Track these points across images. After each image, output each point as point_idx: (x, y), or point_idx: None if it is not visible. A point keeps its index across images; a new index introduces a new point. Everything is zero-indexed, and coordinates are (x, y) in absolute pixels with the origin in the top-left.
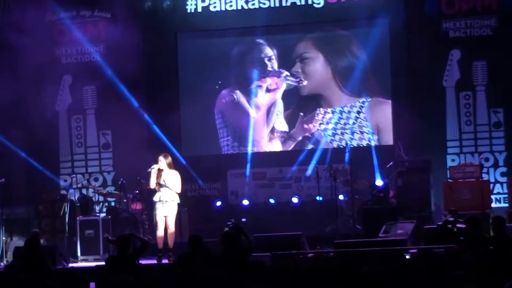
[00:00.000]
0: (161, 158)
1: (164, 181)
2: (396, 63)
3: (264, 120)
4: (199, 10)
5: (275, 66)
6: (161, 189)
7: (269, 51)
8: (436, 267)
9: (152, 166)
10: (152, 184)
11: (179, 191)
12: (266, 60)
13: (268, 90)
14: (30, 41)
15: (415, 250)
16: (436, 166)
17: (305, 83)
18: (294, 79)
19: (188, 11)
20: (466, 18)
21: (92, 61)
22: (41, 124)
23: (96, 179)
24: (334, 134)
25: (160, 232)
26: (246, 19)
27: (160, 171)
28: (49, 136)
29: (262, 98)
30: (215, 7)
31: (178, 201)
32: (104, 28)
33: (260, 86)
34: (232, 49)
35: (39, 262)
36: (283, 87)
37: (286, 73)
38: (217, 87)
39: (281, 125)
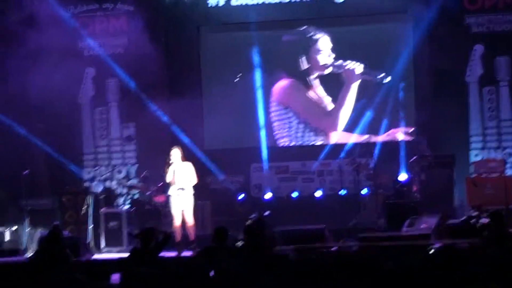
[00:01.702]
0: (175, 150)
1: (180, 174)
2: (418, 58)
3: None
4: (221, 4)
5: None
6: (176, 182)
7: (328, 43)
8: (460, 263)
9: (171, 161)
10: (169, 178)
11: (195, 181)
12: (330, 50)
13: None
14: (53, 34)
15: (438, 245)
16: (460, 161)
17: (388, 79)
18: (373, 74)
19: (210, 5)
20: (489, 13)
21: (115, 54)
22: (64, 117)
23: (119, 172)
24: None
25: (177, 225)
26: (268, 13)
27: (173, 164)
28: (72, 128)
29: (322, 90)
30: (236, 1)
31: (193, 192)
32: (127, 21)
33: (320, 77)
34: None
35: (61, 254)
36: (357, 82)
37: (362, 67)
38: (237, 79)
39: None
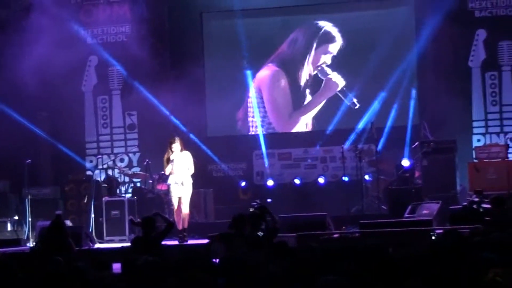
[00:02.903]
0: (175, 141)
1: (178, 164)
2: (421, 43)
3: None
4: None
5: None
6: (175, 172)
7: (338, 47)
8: (462, 248)
9: (171, 153)
10: (168, 171)
11: (193, 170)
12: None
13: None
14: (56, 22)
15: (441, 231)
16: (462, 146)
17: (357, 106)
18: (347, 96)
19: None
20: None
21: (118, 42)
22: (67, 105)
23: (121, 160)
24: (358, 115)
25: (178, 214)
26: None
27: (172, 155)
28: (75, 117)
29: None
30: None
31: (192, 181)
32: (130, 9)
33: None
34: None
35: (63, 244)
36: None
37: (343, 85)
38: (242, 67)
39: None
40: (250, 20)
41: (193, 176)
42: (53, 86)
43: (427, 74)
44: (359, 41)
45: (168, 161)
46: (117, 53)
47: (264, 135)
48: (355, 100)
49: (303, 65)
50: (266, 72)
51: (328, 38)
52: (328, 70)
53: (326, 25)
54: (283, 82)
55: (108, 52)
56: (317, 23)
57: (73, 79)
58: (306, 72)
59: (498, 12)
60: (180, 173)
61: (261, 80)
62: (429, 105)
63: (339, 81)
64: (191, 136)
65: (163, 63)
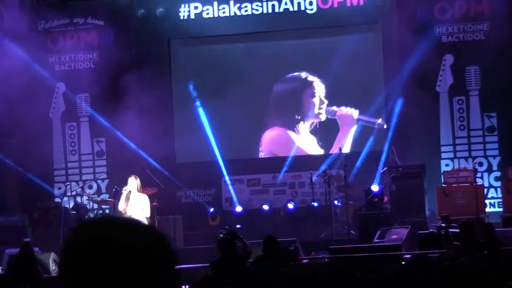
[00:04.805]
0: (132, 179)
1: (133, 203)
2: (389, 69)
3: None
4: (192, 16)
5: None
6: (128, 211)
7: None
8: (431, 273)
9: (125, 188)
10: (121, 206)
11: (148, 215)
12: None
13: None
14: (23, 49)
15: (410, 256)
16: (430, 171)
17: (379, 120)
18: (370, 120)
19: (181, 18)
20: (459, 23)
21: (86, 69)
22: (35, 132)
23: (90, 187)
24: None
25: None
26: (239, 26)
27: (129, 193)
28: (43, 144)
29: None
30: (208, 13)
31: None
32: (97, 36)
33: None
34: (226, 55)
35: (32, 271)
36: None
37: (357, 112)
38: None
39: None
40: (218, 47)
41: (161, 203)
42: (21, 113)
43: (394, 100)
44: (329, 67)
45: (124, 194)
46: (84, 80)
47: (227, 161)
48: (379, 121)
49: (303, 117)
50: (273, 133)
51: (308, 83)
52: (334, 108)
53: (303, 75)
54: (294, 139)
55: (76, 79)
56: (293, 75)
57: (41, 106)
58: (310, 122)
59: (465, 37)
60: (133, 213)
61: (269, 143)
62: (398, 130)
63: (353, 111)
64: (160, 162)
65: (130, 89)
